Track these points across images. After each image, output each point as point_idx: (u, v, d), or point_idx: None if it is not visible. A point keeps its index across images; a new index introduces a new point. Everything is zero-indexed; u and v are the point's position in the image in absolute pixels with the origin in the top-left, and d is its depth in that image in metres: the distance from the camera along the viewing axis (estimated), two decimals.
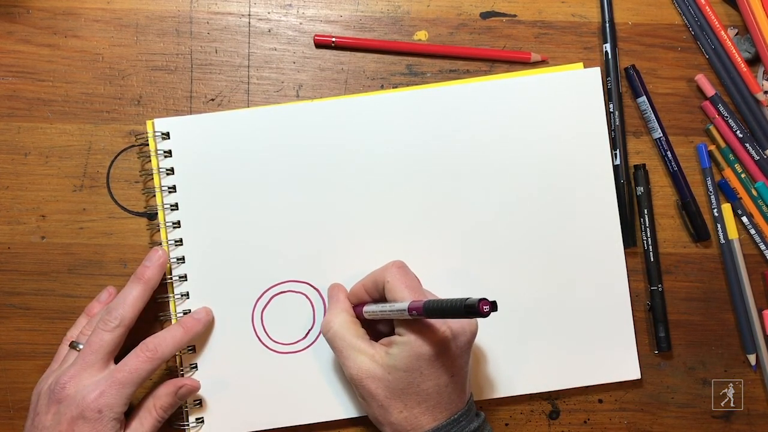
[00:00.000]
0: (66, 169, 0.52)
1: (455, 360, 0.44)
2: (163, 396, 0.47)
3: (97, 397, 0.44)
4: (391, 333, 0.46)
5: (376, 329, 0.49)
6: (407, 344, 0.43)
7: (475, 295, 0.38)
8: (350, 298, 0.49)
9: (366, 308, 0.47)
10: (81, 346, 0.46)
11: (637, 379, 0.53)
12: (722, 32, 0.54)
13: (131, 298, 0.47)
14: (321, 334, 0.51)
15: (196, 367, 0.50)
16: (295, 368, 0.51)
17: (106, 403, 0.44)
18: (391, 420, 0.44)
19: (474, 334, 0.45)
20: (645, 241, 0.53)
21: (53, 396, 0.44)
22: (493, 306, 0.37)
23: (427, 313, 0.40)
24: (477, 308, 0.37)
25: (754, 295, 0.53)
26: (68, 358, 0.47)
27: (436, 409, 0.44)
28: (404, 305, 0.42)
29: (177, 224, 0.51)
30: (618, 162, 0.53)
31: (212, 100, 0.53)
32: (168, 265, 0.50)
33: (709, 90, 0.54)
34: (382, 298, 0.47)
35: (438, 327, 0.43)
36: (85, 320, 0.50)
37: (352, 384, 0.46)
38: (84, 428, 0.43)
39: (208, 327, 0.50)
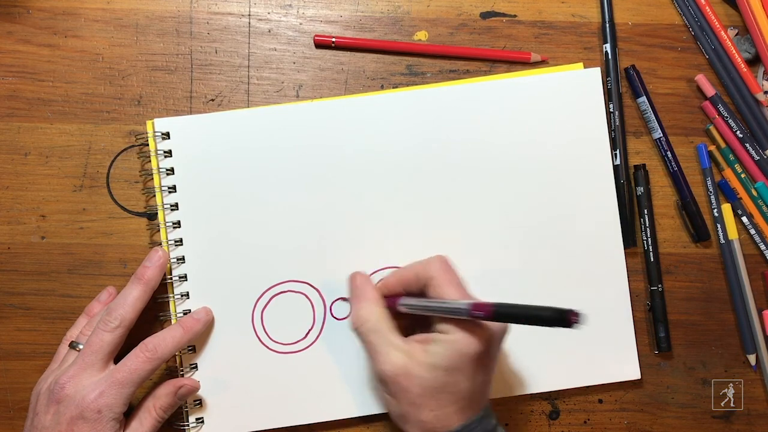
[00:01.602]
0: (66, 169, 0.52)
1: (492, 359, 0.44)
2: (162, 396, 0.47)
3: (97, 397, 0.44)
4: (418, 327, 0.45)
5: (402, 323, 0.47)
6: (452, 343, 0.42)
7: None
8: (381, 289, 0.48)
9: (405, 301, 0.46)
10: (81, 346, 0.46)
11: (637, 379, 0.53)
12: (722, 32, 0.54)
13: (131, 299, 0.47)
14: (320, 335, 0.51)
15: (196, 367, 0.50)
16: (295, 368, 0.51)
17: (106, 403, 0.44)
18: (422, 418, 0.42)
19: (507, 332, 0.44)
20: (645, 241, 0.53)
21: (52, 396, 0.44)
22: (582, 319, 0.35)
23: (496, 318, 0.38)
24: (567, 319, 0.35)
25: (754, 295, 0.53)
26: (68, 358, 0.47)
27: (468, 408, 0.43)
28: (463, 305, 0.41)
29: (177, 224, 0.51)
30: (618, 162, 0.53)
31: (212, 100, 0.53)
32: (168, 265, 0.50)
33: (709, 90, 0.54)
34: (419, 293, 0.45)
35: (484, 326, 0.42)
36: (84, 320, 0.50)
37: (381, 381, 0.44)
38: (83, 428, 0.43)
39: (208, 327, 0.50)
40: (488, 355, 0.43)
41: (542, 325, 0.36)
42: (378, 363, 0.44)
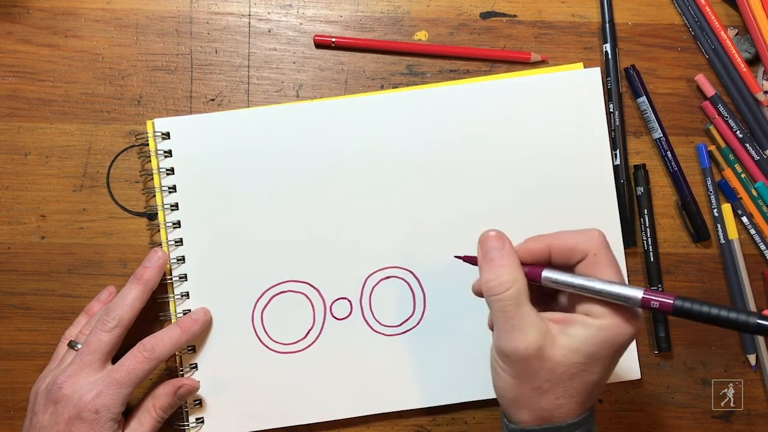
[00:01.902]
0: (66, 169, 0.52)
1: (623, 353, 0.39)
2: (162, 396, 0.47)
3: (94, 397, 0.44)
4: (548, 303, 0.41)
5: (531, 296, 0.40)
6: (601, 329, 0.37)
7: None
8: (522, 254, 0.40)
9: (552, 275, 0.39)
10: (79, 346, 0.46)
11: (637, 379, 0.53)
12: (722, 32, 0.54)
13: (130, 299, 0.47)
14: (320, 335, 0.51)
15: (195, 367, 0.50)
16: (295, 368, 0.51)
17: (103, 404, 0.44)
18: (541, 405, 0.38)
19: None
20: (645, 241, 0.53)
21: (50, 396, 0.44)
22: None
23: (677, 314, 0.35)
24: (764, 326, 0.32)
25: (754, 295, 0.53)
26: (66, 357, 0.47)
27: (587, 402, 0.39)
28: (634, 292, 0.36)
29: (177, 224, 0.51)
30: (618, 162, 0.53)
31: (212, 100, 0.53)
32: (168, 265, 0.50)
33: (709, 90, 0.54)
34: (564, 265, 0.40)
35: (637, 317, 0.38)
36: (84, 319, 0.50)
37: (506, 358, 0.38)
38: (81, 428, 0.43)
39: (207, 327, 0.50)
40: (624, 350, 0.39)
41: (737, 330, 0.33)
42: (510, 339, 0.38)
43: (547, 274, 0.39)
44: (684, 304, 0.35)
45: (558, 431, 0.38)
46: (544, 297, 0.42)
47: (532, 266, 0.40)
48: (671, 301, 0.35)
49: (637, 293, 0.36)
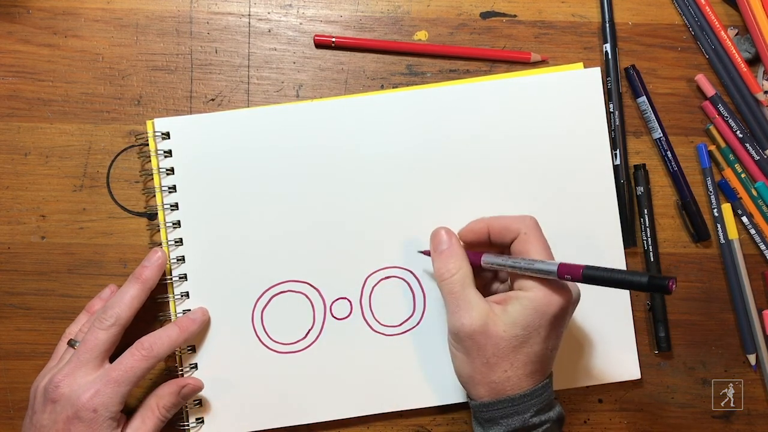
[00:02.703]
0: (66, 169, 0.52)
1: (564, 325, 0.44)
2: (166, 395, 0.47)
3: (92, 396, 0.43)
4: (495, 286, 0.47)
5: (479, 281, 0.48)
6: (532, 300, 0.42)
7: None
8: (465, 234, 0.48)
9: (489, 258, 0.46)
10: (78, 344, 0.46)
11: (637, 379, 0.53)
12: (722, 32, 0.54)
13: (128, 298, 0.47)
14: (320, 335, 0.51)
15: (195, 367, 0.50)
16: (295, 368, 0.51)
17: (101, 402, 0.44)
18: (493, 379, 0.43)
19: (579, 300, 0.45)
20: (645, 241, 0.53)
21: (48, 395, 0.44)
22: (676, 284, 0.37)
23: (585, 280, 0.39)
24: (666, 286, 0.36)
25: (754, 295, 0.53)
26: (65, 356, 0.47)
27: (538, 373, 0.43)
28: (551, 265, 0.41)
29: (177, 224, 0.51)
30: (618, 162, 0.53)
31: (212, 100, 0.53)
32: (168, 265, 0.50)
33: (709, 90, 0.54)
34: (500, 246, 0.47)
35: (566, 289, 0.43)
36: (85, 317, 0.50)
37: (457, 337, 0.44)
38: (79, 428, 0.43)
39: (207, 327, 0.50)
40: (563, 320, 0.43)
41: (634, 289, 0.37)
42: (458, 317, 0.43)
43: (485, 258, 0.46)
44: (590, 272, 0.39)
45: (512, 402, 0.42)
46: (492, 284, 0.49)
47: (474, 253, 0.46)
48: (580, 271, 0.40)
49: (553, 267, 0.41)
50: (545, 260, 0.43)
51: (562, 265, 0.41)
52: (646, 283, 0.37)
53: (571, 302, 0.43)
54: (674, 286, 0.37)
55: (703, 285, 0.54)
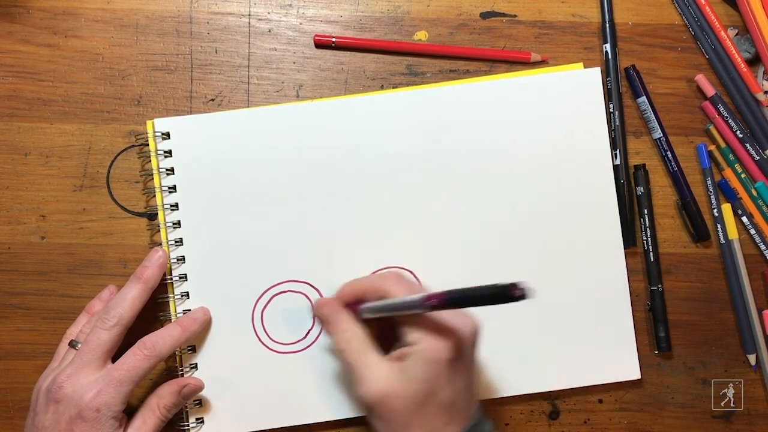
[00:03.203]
0: (66, 169, 0.52)
1: (468, 363, 0.43)
2: (166, 395, 0.47)
3: (95, 396, 0.43)
4: (394, 339, 0.45)
5: (376, 335, 0.46)
6: (422, 352, 0.41)
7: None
8: (345, 297, 0.48)
9: (365, 306, 0.46)
10: (80, 345, 0.46)
11: (637, 379, 0.53)
12: (722, 32, 0.54)
13: (130, 298, 0.47)
14: (320, 335, 0.51)
15: (195, 366, 0.50)
16: (295, 368, 0.51)
17: (104, 402, 0.44)
18: None
19: (479, 333, 0.43)
20: (645, 241, 0.53)
21: (50, 396, 0.44)
22: (526, 291, 0.34)
23: (449, 304, 0.38)
24: (509, 294, 0.34)
25: (754, 295, 0.53)
26: (67, 356, 0.47)
27: (456, 417, 0.42)
28: (416, 297, 0.40)
29: (177, 224, 0.51)
30: (618, 162, 0.53)
31: (212, 100, 0.53)
32: (168, 265, 0.50)
33: (709, 90, 0.54)
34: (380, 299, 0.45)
35: (452, 330, 0.42)
36: (85, 318, 0.50)
37: (366, 405, 0.43)
38: (82, 428, 0.43)
39: (207, 326, 0.50)
40: (462, 360, 0.42)
41: (492, 304, 0.35)
42: (362, 387, 0.43)
43: (361, 308, 0.46)
44: (451, 294, 0.38)
45: None
46: (393, 335, 0.45)
47: (354, 305, 0.46)
48: (444, 295, 0.38)
49: (417, 299, 0.40)
50: (410, 296, 0.42)
51: (426, 296, 0.39)
52: (493, 294, 0.35)
53: (463, 343, 0.42)
54: (521, 292, 0.34)
55: (703, 285, 0.54)
